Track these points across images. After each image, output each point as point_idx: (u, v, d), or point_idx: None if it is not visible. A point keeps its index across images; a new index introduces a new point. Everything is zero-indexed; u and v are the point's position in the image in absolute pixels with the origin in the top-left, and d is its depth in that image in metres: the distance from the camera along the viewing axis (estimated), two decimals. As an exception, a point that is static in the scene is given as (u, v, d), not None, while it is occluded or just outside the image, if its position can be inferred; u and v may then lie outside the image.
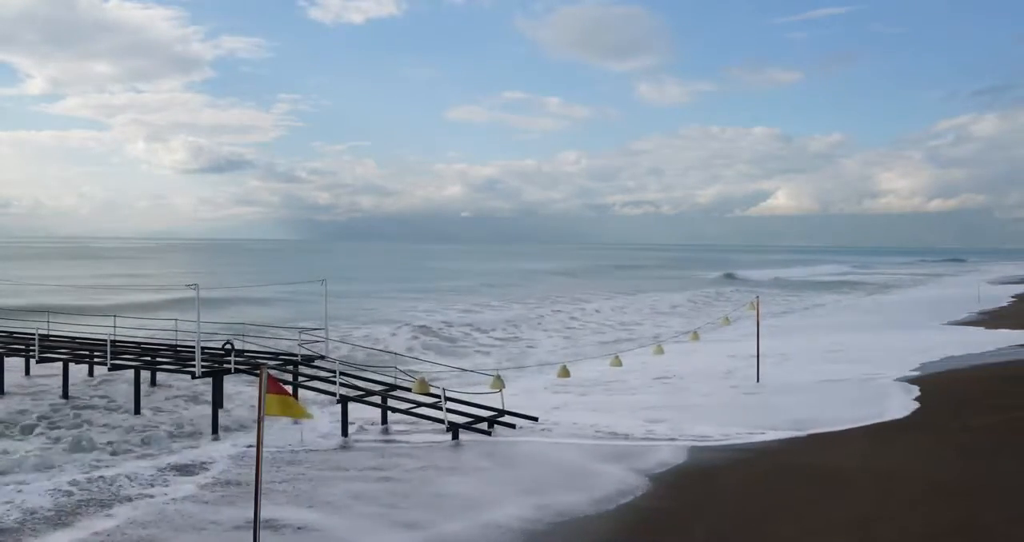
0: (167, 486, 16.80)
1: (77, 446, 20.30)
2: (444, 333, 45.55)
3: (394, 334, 44.29)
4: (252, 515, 11.32)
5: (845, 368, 31.72)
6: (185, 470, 18.14)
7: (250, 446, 19.74)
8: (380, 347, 36.55)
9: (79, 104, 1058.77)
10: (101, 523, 14.41)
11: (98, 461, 18.97)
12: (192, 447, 20.56)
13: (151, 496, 16.08)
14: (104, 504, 15.54)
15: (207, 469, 18.21)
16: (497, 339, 46.10)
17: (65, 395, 26.25)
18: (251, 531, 11.60)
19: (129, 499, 15.87)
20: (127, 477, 17.36)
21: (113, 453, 19.81)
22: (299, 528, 13.98)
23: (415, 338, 43.35)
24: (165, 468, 18.22)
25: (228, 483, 17.06)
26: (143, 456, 19.60)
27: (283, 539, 13.58)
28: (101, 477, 17.35)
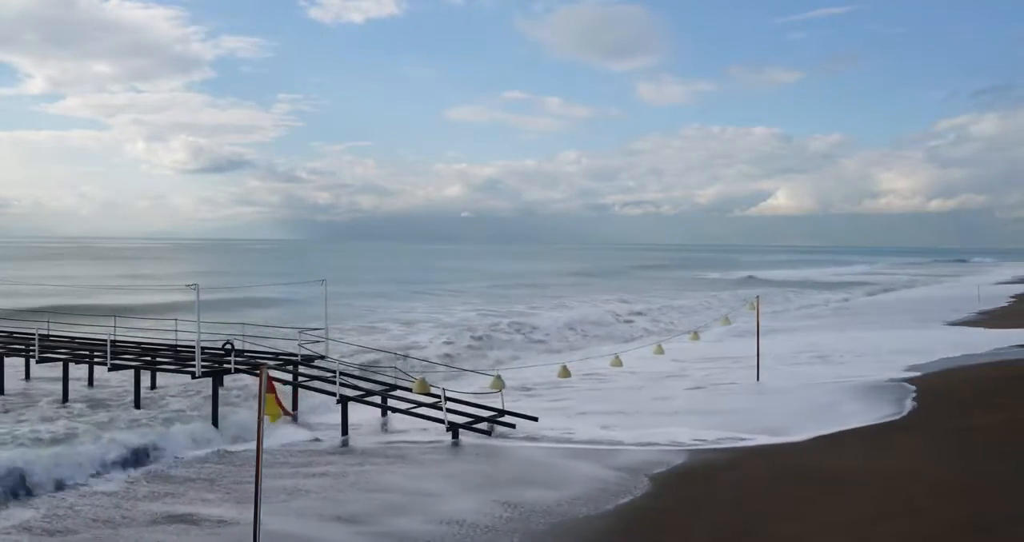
0: (100, 478, 17.15)
1: (57, 443, 20.28)
2: (446, 333, 45.49)
3: (402, 336, 44.32)
4: (170, 512, 12.04)
5: (844, 368, 31.74)
6: (134, 466, 18.27)
7: (220, 447, 20.21)
8: (380, 347, 36.52)
9: (79, 104, 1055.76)
10: (21, 514, 14.71)
11: (63, 457, 18.43)
12: (185, 447, 20.38)
13: (85, 486, 16.51)
14: (34, 494, 15.91)
15: (145, 466, 18.36)
16: (498, 339, 46.05)
17: (65, 394, 26.26)
18: (163, 527, 12.88)
19: (62, 490, 16.23)
20: (80, 472, 17.51)
21: (93, 441, 19.65)
22: (220, 522, 14.09)
23: (417, 339, 43.32)
24: (116, 462, 18.23)
25: (159, 479, 17.25)
26: (110, 452, 19.25)
27: (200, 531, 13.76)
28: (56, 466, 17.44)
